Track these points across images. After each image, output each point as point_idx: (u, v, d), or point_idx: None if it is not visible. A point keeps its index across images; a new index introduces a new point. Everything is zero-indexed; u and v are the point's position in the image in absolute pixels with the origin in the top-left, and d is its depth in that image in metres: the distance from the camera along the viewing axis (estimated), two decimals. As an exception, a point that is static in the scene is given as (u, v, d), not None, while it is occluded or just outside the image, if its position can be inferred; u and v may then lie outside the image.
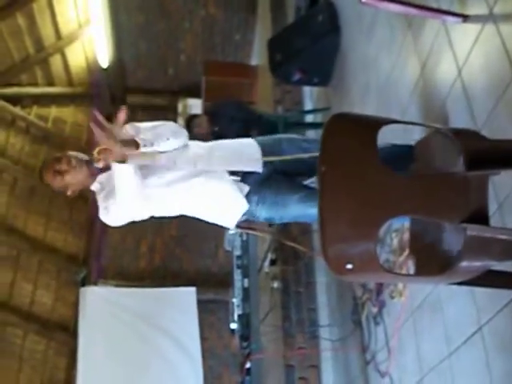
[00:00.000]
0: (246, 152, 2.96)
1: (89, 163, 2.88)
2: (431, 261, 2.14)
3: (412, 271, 3.54)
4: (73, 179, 2.86)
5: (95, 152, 2.79)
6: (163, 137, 2.80)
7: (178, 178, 2.87)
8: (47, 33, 8.01)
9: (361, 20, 4.81)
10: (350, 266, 1.71)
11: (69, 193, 2.90)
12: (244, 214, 2.94)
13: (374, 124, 1.76)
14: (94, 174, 2.90)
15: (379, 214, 1.68)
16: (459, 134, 1.94)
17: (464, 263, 1.88)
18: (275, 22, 7.21)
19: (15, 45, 7.87)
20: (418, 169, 2.06)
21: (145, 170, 2.80)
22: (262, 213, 2.92)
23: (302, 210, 2.89)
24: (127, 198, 2.73)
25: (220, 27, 8.66)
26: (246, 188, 2.90)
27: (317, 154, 2.07)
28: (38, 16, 7.68)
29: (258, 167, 2.91)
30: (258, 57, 8.58)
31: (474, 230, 1.82)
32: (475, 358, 2.84)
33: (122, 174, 2.65)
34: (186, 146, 2.95)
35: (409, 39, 3.75)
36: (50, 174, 2.87)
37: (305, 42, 5.40)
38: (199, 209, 2.99)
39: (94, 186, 2.93)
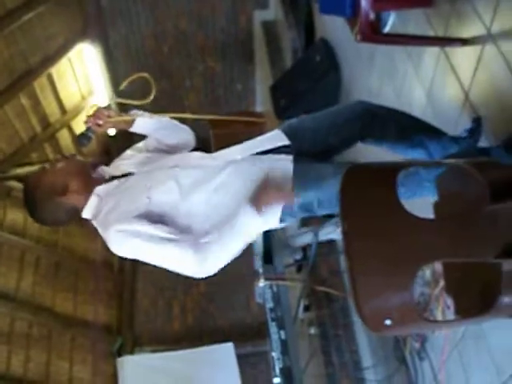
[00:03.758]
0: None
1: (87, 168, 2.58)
2: (470, 296, 2.06)
3: (448, 302, 3.45)
4: (62, 173, 2.51)
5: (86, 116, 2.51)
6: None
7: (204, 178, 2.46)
8: (52, 109, 8.07)
9: (359, 54, 4.80)
10: (388, 322, 1.64)
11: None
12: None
13: (391, 170, 1.70)
14: (91, 182, 2.53)
15: (411, 264, 1.61)
16: (478, 165, 1.88)
17: (506, 299, 1.80)
18: (274, 66, 7.24)
19: (22, 125, 7.91)
20: (442, 207, 1.99)
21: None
22: (295, 197, 2.41)
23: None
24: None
25: (221, 80, 8.72)
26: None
27: None
28: (41, 94, 7.74)
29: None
30: (262, 103, 8.61)
31: (510, 264, 1.75)
32: (530, 386, 2.74)
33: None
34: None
35: (410, 68, 3.72)
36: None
37: (307, 83, 5.40)
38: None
39: (91, 203, 2.49)
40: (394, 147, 2.69)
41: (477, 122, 2.81)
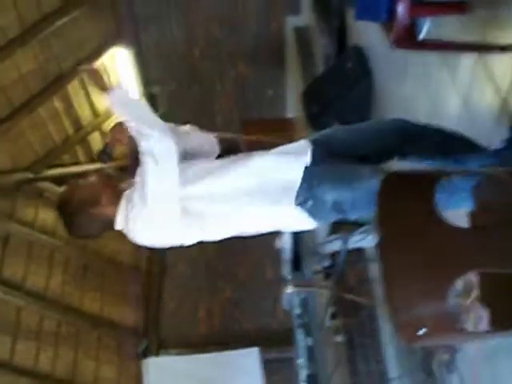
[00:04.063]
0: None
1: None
2: (507, 308, 2.02)
3: (481, 313, 3.38)
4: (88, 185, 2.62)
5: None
6: None
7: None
8: (84, 112, 8.16)
9: (392, 61, 4.76)
10: (422, 332, 1.61)
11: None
12: (307, 200, 2.43)
13: (429, 179, 1.67)
14: (121, 193, 2.57)
15: (447, 274, 1.58)
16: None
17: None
18: (305, 72, 7.22)
19: (55, 127, 8.03)
20: (478, 216, 1.95)
21: None
22: (328, 195, 2.41)
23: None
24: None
25: (252, 85, 8.73)
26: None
27: None
28: (74, 97, 7.85)
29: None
30: (292, 109, 8.59)
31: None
32: None
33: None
34: None
35: (445, 76, 3.67)
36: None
37: (339, 90, 5.36)
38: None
39: (121, 211, 2.55)
40: (431, 165, 2.66)
41: (514, 131, 2.76)
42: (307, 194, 2.43)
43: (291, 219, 2.53)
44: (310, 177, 2.44)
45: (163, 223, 2.49)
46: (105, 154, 2.70)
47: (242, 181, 2.47)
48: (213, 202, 2.46)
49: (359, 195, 2.39)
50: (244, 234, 2.64)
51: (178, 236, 2.57)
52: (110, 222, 2.59)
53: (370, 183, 2.33)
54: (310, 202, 2.44)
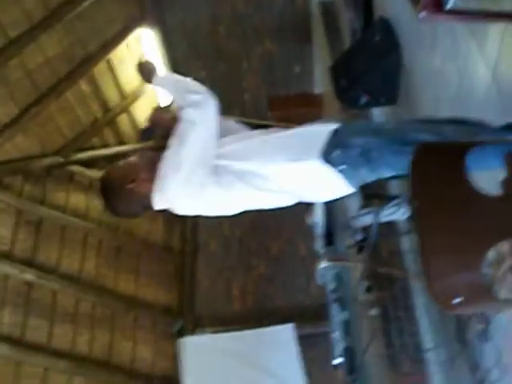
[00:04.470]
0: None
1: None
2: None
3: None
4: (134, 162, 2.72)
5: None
6: None
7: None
8: (111, 94, 8.17)
9: (420, 33, 4.72)
10: (458, 300, 1.63)
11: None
12: (335, 149, 2.50)
13: (461, 149, 1.68)
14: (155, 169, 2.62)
15: (482, 243, 1.60)
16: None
17: None
18: (332, 47, 7.17)
19: (83, 111, 8.06)
20: (511, 184, 1.95)
21: None
22: (357, 140, 2.49)
23: (404, 135, 2.39)
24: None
25: (278, 61, 8.70)
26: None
27: None
28: (100, 80, 7.87)
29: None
30: (320, 84, 8.56)
31: None
32: None
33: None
34: None
35: (473, 46, 3.64)
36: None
37: (367, 63, 5.33)
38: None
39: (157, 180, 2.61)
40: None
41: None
42: (335, 144, 2.52)
43: (321, 175, 2.56)
44: (339, 130, 2.57)
45: (197, 186, 2.56)
46: (147, 133, 2.81)
47: (270, 138, 2.65)
48: (246, 160, 2.56)
49: (385, 142, 2.45)
50: (280, 200, 2.71)
51: (212, 201, 2.65)
52: (149, 199, 2.64)
53: (393, 132, 2.47)
54: (337, 151, 2.50)
